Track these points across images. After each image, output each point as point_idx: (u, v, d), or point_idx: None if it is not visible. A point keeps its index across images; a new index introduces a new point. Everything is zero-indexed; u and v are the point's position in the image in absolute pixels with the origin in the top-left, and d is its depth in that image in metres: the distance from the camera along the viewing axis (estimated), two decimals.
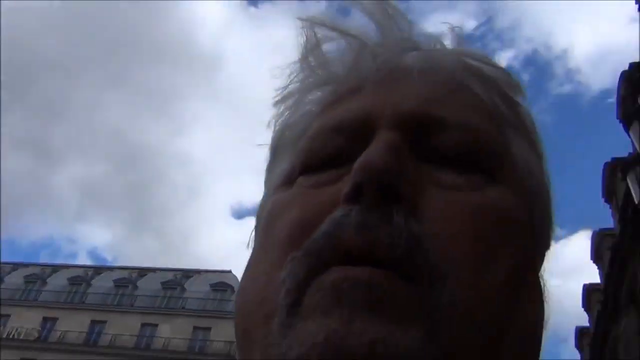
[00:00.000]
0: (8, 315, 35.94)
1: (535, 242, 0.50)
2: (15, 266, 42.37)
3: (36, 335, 35.33)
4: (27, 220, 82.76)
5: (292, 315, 0.39)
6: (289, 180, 0.51)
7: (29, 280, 40.01)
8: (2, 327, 35.47)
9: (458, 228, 0.43)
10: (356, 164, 0.42)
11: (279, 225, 0.46)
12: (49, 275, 40.66)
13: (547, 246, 0.54)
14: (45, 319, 36.30)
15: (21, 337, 35.06)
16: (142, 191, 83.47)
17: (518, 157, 0.51)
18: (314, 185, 0.47)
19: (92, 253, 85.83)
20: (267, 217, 0.49)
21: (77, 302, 37.95)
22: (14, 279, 40.21)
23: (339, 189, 0.43)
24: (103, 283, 39.58)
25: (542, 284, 0.50)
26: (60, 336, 35.32)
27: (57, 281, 39.73)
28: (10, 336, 34.91)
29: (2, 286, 38.88)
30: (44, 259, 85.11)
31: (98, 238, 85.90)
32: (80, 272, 41.71)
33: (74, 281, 39.65)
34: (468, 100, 0.51)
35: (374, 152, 0.43)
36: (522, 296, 0.45)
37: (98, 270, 42.92)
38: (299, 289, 0.40)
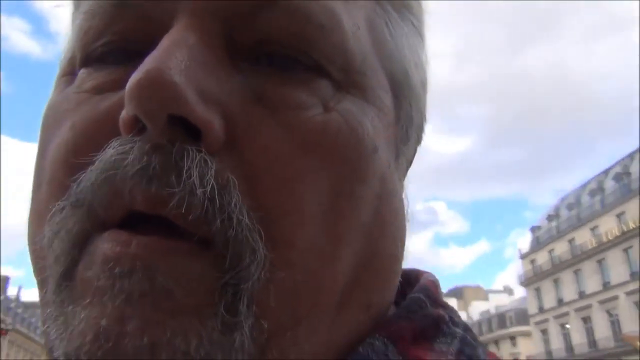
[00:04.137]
0: None
1: (398, 150, 0.42)
2: None
3: None
4: None
5: (63, 289, 0.31)
6: (71, 70, 0.38)
7: None
8: None
9: (289, 175, 0.32)
10: (129, 82, 0.29)
11: (50, 148, 0.35)
12: None
13: (418, 142, 0.46)
14: None
15: None
16: None
17: (382, 42, 0.40)
18: (93, 89, 0.35)
19: None
20: (41, 128, 0.38)
21: None
22: None
23: (122, 100, 0.31)
24: None
25: (403, 192, 0.43)
26: None
27: None
28: None
29: None
30: None
31: None
32: None
33: None
34: None
35: (157, 62, 0.30)
36: (376, 240, 0.37)
37: None
38: (71, 255, 0.31)
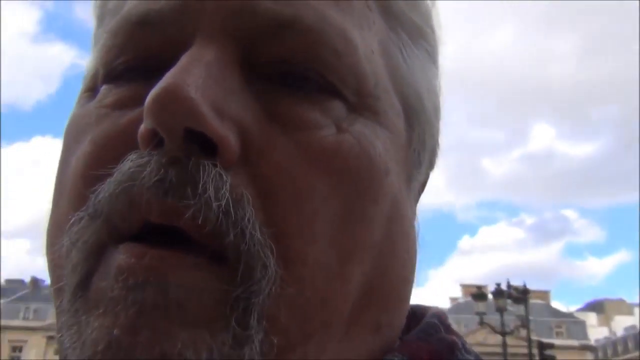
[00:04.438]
0: None
1: (410, 175, 0.42)
2: None
3: None
4: None
5: (78, 298, 0.32)
6: (93, 86, 0.40)
7: None
8: None
9: (301, 192, 0.33)
10: (148, 96, 0.30)
11: (71, 161, 0.36)
12: None
13: (430, 167, 0.47)
14: None
15: None
16: None
17: (396, 67, 0.41)
18: (114, 104, 0.36)
19: None
20: (63, 142, 0.39)
21: None
22: None
23: (141, 116, 0.32)
24: None
25: (414, 219, 0.43)
26: None
27: None
28: None
29: None
30: None
31: None
32: None
33: None
34: None
35: (175, 78, 0.31)
36: (386, 261, 0.37)
37: None
38: (87, 265, 0.32)
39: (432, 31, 0.46)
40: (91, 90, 0.40)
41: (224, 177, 0.31)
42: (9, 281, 48.97)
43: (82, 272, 0.32)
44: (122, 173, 0.32)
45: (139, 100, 0.34)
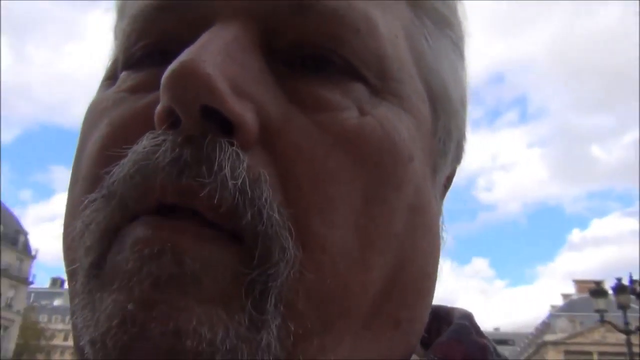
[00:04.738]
0: None
1: (435, 164, 0.41)
2: None
3: None
4: None
5: (92, 278, 0.31)
6: (112, 74, 0.40)
7: None
8: None
9: (321, 174, 0.32)
10: (165, 73, 0.30)
11: (88, 144, 0.36)
12: None
13: (457, 160, 0.45)
14: None
15: None
16: None
17: (420, 53, 0.40)
18: (132, 89, 0.36)
19: None
20: (81, 127, 0.38)
21: None
22: None
23: (158, 98, 0.31)
24: None
25: (438, 213, 0.42)
26: None
27: None
28: None
29: None
30: None
31: None
32: None
33: None
34: None
35: (192, 55, 0.30)
36: (407, 253, 0.36)
37: None
38: (101, 246, 0.31)
39: (458, 22, 0.45)
40: (110, 78, 0.40)
41: (241, 156, 0.30)
42: None
43: (96, 253, 0.32)
44: (137, 153, 0.31)
45: (157, 84, 0.33)
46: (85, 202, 0.33)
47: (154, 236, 0.29)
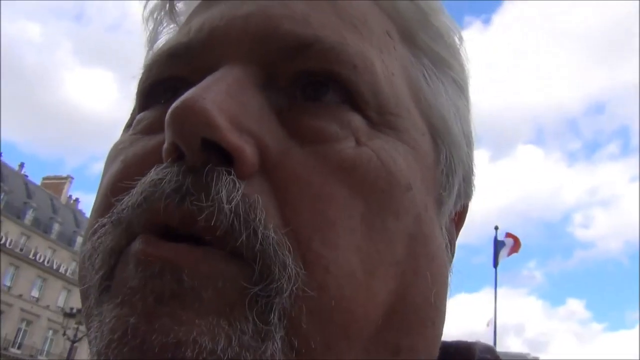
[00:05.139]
0: None
1: (439, 197, 0.41)
2: None
3: None
4: None
5: (102, 291, 0.33)
6: (131, 122, 0.43)
7: None
8: None
9: (319, 200, 0.34)
10: (168, 111, 0.32)
11: (104, 180, 0.39)
12: None
13: (467, 197, 0.46)
14: None
15: None
16: None
17: (418, 89, 0.42)
18: (145, 129, 0.39)
19: None
20: (103, 169, 0.42)
21: None
22: None
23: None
24: None
25: (444, 244, 0.42)
26: None
27: None
28: None
29: None
30: None
31: None
32: None
33: None
34: (354, 8, 0.41)
35: (193, 93, 0.33)
36: (409, 281, 0.37)
37: None
38: (109, 262, 0.33)
39: (460, 64, 0.47)
40: (130, 126, 0.43)
41: (237, 183, 0.32)
42: None
43: (104, 270, 0.34)
44: (145, 183, 0.33)
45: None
46: (96, 226, 0.35)
47: (155, 255, 0.31)
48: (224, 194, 0.31)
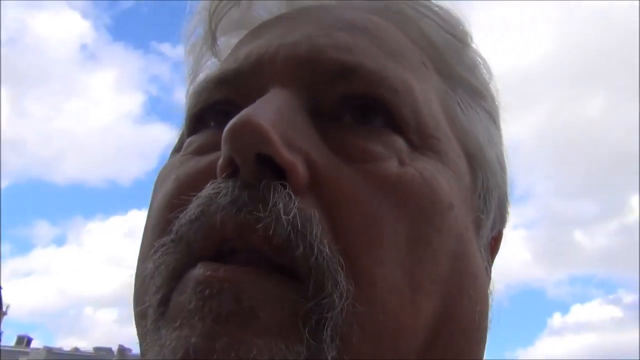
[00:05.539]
0: None
1: (478, 219, 0.42)
2: None
3: None
4: None
5: (160, 315, 0.33)
6: (179, 146, 0.44)
7: None
8: None
9: (367, 216, 0.35)
10: (225, 128, 0.34)
11: (156, 201, 0.40)
12: None
13: (502, 223, 0.47)
14: None
15: None
16: None
17: (454, 117, 0.44)
18: (196, 151, 0.41)
19: None
20: (153, 190, 0.43)
21: None
22: None
23: (220, 155, 0.35)
24: None
25: (484, 266, 0.43)
26: None
27: None
28: None
29: None
30: None
31: None
32: None
33: None
34: (392, 41, 0.43)
35: (249, 112, 0.34)
36: (454, 300, 0.37)
37: None
38: (169, 283, 0.34)
39: (491, 96, 0.48)
40: (178, 150, 0.45)
41: (293, 197, 0.33)
42: (97, 349, 50.70)
43: (164, 292, 0.34)
44: (201, 198, 0.34)
45: (218, 144, 0.36)
46: (156, 245, 0.36)
47: (213, 277, 0.31)
48: (281, 206, 0.32)
